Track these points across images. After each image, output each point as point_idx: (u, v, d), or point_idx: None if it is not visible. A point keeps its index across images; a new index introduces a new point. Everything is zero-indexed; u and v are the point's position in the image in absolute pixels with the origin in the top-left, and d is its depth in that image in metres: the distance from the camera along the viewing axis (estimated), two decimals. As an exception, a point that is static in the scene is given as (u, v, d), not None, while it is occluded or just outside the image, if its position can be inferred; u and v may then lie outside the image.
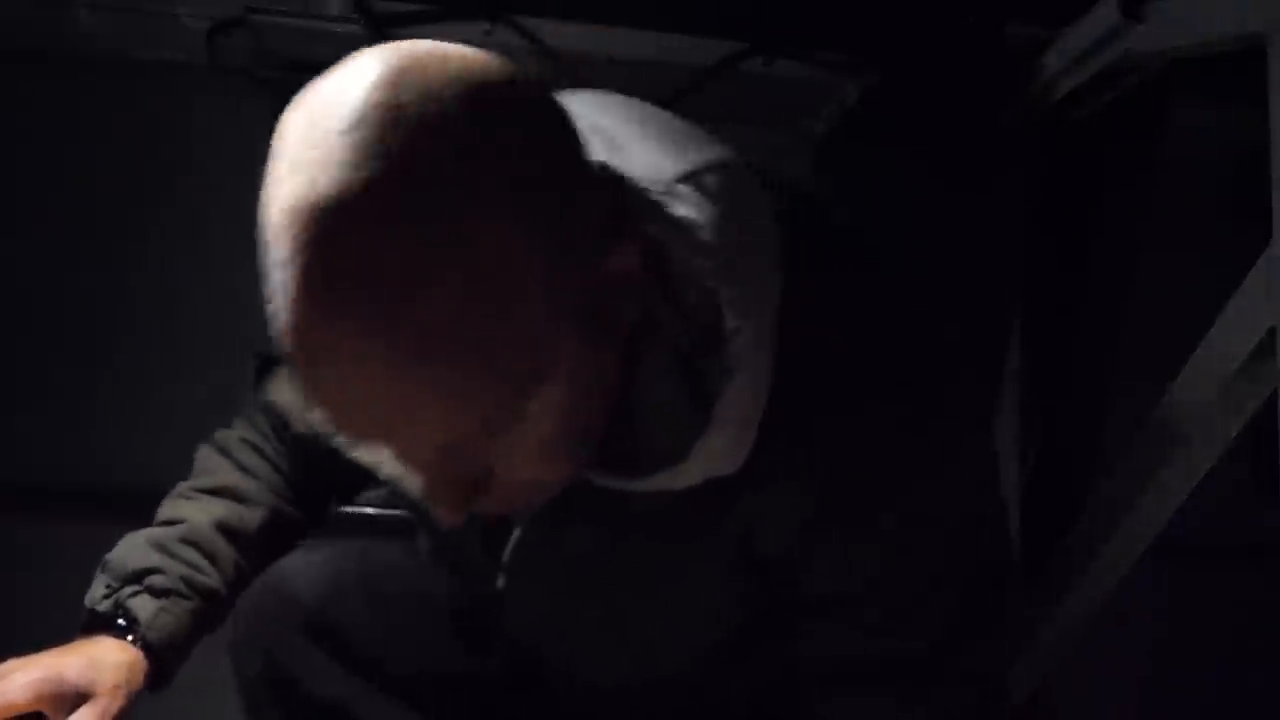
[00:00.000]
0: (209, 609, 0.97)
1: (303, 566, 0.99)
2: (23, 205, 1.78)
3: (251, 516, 0.99)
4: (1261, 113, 1.12)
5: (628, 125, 0.71)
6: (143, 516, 1.73)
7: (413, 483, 0.65)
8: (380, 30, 1.67)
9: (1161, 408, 1.26)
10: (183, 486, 1.02)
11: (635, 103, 0.75)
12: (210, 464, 1.03)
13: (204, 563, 0.97)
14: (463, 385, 0.57)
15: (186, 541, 0.97)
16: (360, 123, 0.54)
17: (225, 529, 0.98)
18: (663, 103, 1.79)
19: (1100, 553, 1.34)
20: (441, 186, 0.54)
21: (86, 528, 1.72)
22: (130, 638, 0.93)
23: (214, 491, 1.00)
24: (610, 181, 0.65)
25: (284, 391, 0.98)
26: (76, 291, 1.78)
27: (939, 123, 1.63)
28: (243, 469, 1.01)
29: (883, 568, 0.70)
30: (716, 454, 0.67)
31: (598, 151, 0.65)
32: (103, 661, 0.91)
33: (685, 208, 0.67)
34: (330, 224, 0.54)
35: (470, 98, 0.56)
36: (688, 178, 0.68)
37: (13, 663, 0.90)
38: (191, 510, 0.99)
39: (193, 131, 1.81)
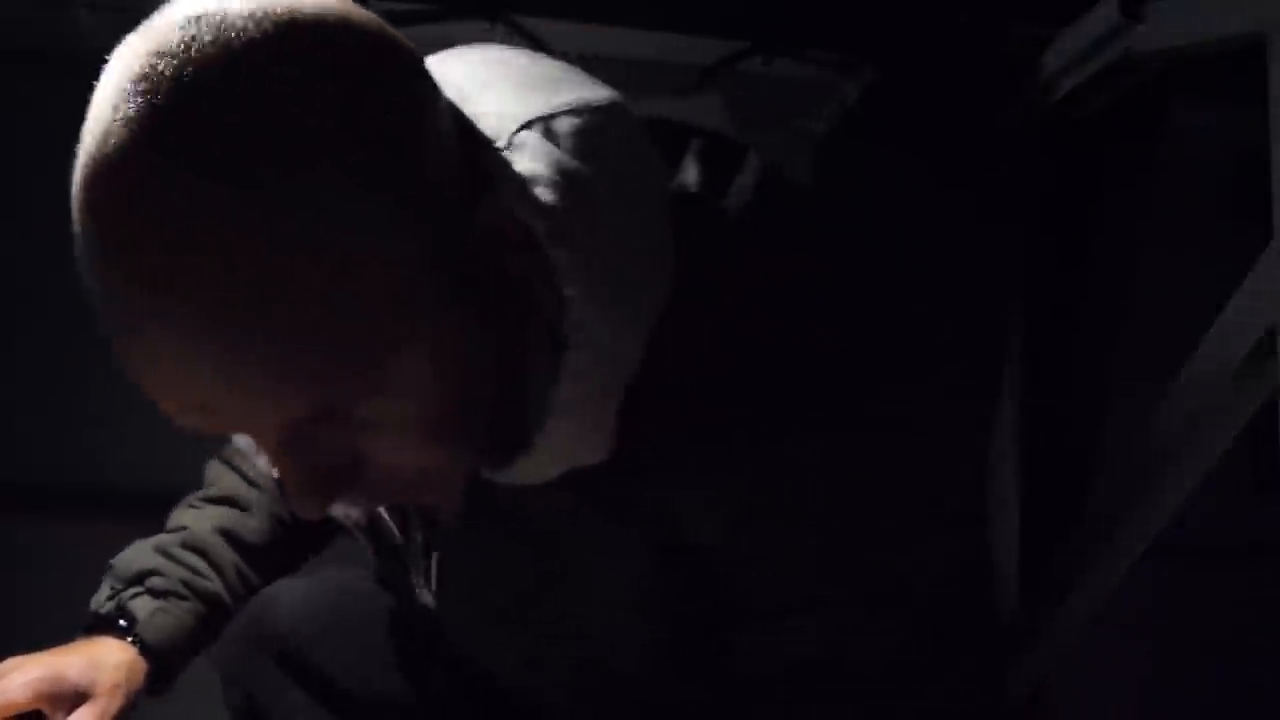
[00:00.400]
0: (211, 613, 0.97)
1: (283, 595, 0.97)
2: (23, 205, 1.78)
3: (255, 524, 0.99)
4: (1261, 113, 1.12)
5: (477, 71, 0.62)
6: (142, 516, 1.73)
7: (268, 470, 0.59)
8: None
9: (1161, 408, 1.26)
10: (190, 497, 1.03)
11: (498, 49, 0.66)
12: (216, 475, 1.03)
13: (204, 566, 0.97)
14: (283, 357, 0.50)
15: (187, 546, 0.98)
16: (147, 74, 0.48)
17: (227, 535, 0.98)
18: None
19: (1100, 553, 1.34)
20: (235, 136, 0.48)
21: (86, 528, 1.73)
22: (130, 639, 0.93)
23: (218, 500, 1.00)
24: (466, 135, 0.56)
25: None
26: (76, 291, 1.78)
27: (939, 123, 1.63)
28: (247, 480, 1.01)
29: (834, 570, 0.64)
30: (564, 443, 0.60)
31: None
32: (103, 662, 0.91)
33: (527, 159, 0.57)
34: (117, 181, 0.49)
35: (278, 35, 0.49)
36: (534, 123, 0.59)
37: (12, 661, 0.90)
38: (194, 517, 1.00)
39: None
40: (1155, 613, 1.77)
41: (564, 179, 0.58)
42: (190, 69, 0.48)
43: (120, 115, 0.49)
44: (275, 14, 0.50)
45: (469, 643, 0.86)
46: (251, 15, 0.49)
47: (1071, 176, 1.60)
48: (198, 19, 0.49)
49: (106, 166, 0.49)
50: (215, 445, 1.76)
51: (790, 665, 0.71)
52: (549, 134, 0.59)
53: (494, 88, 0.61)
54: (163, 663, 0.94)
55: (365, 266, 0.50)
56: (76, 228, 0.52)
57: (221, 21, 0.49)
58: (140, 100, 0.48)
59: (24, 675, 0.88)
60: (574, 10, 1.73)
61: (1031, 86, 1.57)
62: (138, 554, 0.98)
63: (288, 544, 1.01)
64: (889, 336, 0.67)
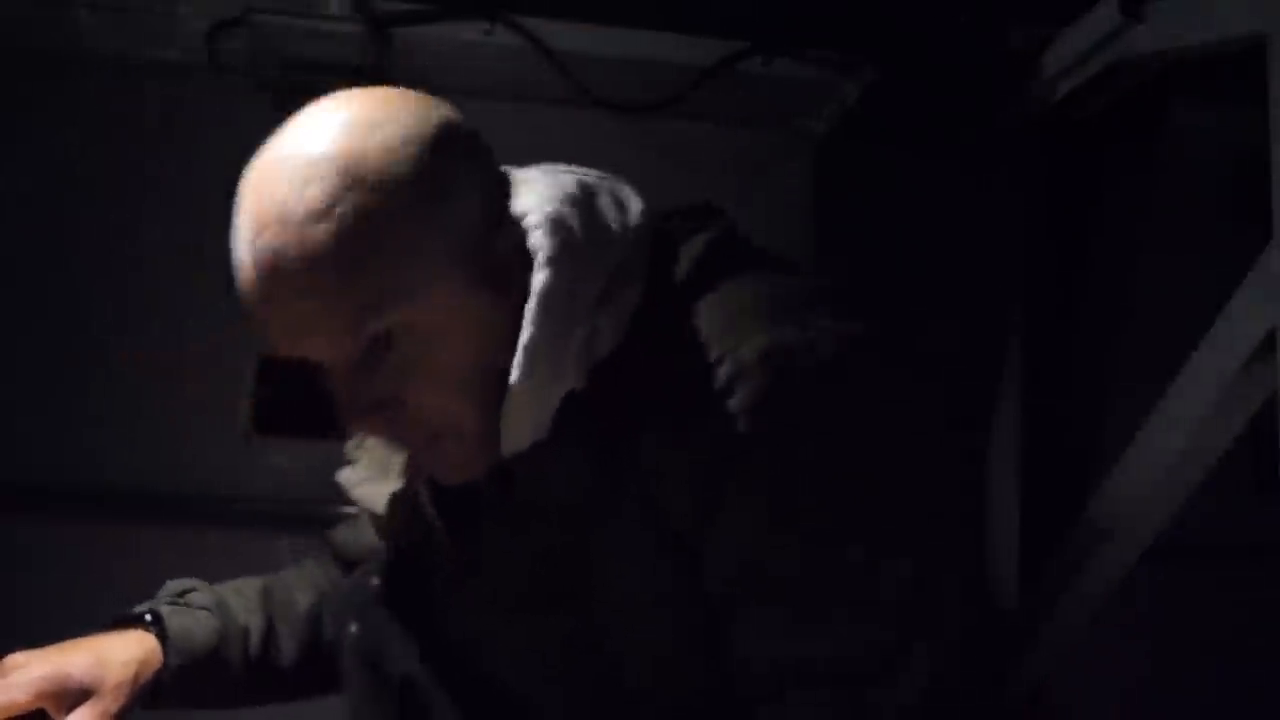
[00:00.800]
0: (231, 642, 1.00)
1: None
2: (23, 205, 1.78)
3: (299, 598, 1.06)
4: (1261, 113, 1.12)
5: (535, 169, 0.86)
6: (142, 516, 1.74)
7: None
8: (380, 30, 1.67)
9: (1161, 408, 1.26)
10: None
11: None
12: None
13: (238, 604, 1.02)
14: (346, 281, 0.72)
15: (231, 587, 1.04)
16: (307, 115, 0.76)
17: (268, 594, 1.05)
18: (663, 103, 1.79)
19: (1100, 553, 1.35)
20: (348, 164, 0.73)
21: (86, 528, 1.73)
22: (153, 630, 0.96)
23: (272, 578, 1.09)
24: (503, 188, 0.81)
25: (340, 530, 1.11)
26: (76, 292, 1.78)
27: (939, 123, 1.63)
28: (304, 569, 1.11)
29: (798, 557, 0.72)
30: (540, 381, 0.76)
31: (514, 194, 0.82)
32: (111, 659, 0.92)
33: (529, 184, 0.82)
34: (269, 172, 0.74)
35: (384, 103, 0.76)
36: (544, 169, 0.85)
37: (18, 658, 0.90)
38: (249, 580, 1.08)
39: (193, 131, 1.81)
40: (1155, 613, 1.77)
41: (551, 190, 0.81)
42: (345, 111, 0.75)
43: (278, 138, 0.76)
44: (387, 95, 0.77)
45: (475, 631, 0.89)
46: (384, 96, 0.77)
47: (1071, 176, 1.60)
48: (350, 97, 0.77)
49: (267, 164, 0.75)
50: (217, 446, 1.75)
51: (782, 662, 0.74)
52: (549, 173, 0.84)
53: (538, 167, 0.86)
54: (175, 661, 0.95)
55: (400, 243, 0.73)
56: (238, 201, 0.76)
57: (374, 100, 0.76)
58: (296, 130, 0.76)
59: (27, 674, 0.88)
60: (574, 10, 1.73)
61: (1031, 87, 1.58)
62: (187, 581, 1.04)
63: (319, 621, 1.05)
64: (840, 343, 0.76)
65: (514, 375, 0.75)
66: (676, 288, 0.79)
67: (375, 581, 0.96)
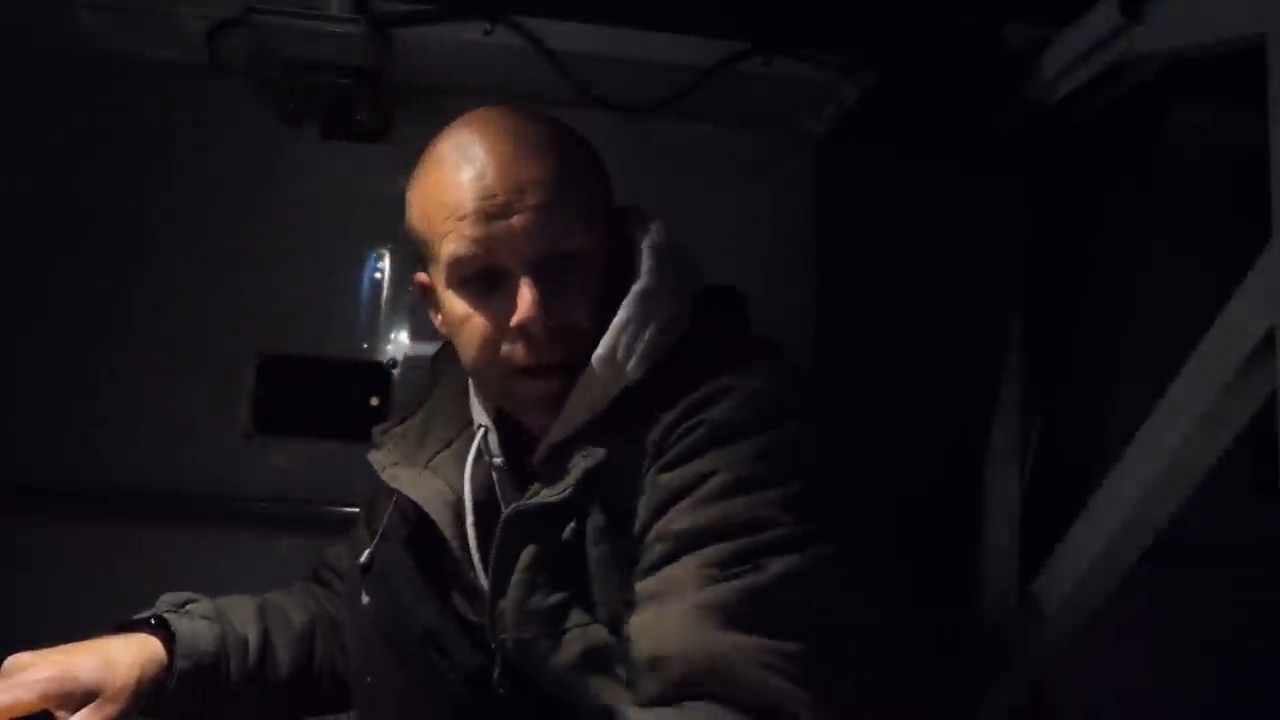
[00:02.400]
0: (231, 654, 1.02)
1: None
2: (23, 205, 1.78)
3: (293, 615, 1.10)
4: (1261, 113, 1.12)
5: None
6: (142, 516, 1.74)
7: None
8: (380, 30, 1.67)
9: (1161, 408, 1.26)
10: None
11: None
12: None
13: (237, 615, 1.06)
14: (560, 198, 0.95)
15: (226, 602, 1.08)
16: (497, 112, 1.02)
17: (263, 610, 1.09)
18: (663, 103, 1.80)
19: (1100, 553, 1.35)
20: (557, 124, 1.01)
21: (86, 528, 1.74)
22: (159, 636, 0.98)
23: (264, 597, 1.13)
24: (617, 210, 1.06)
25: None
26: (76, 291, 1.78)
27: (939, 124, 1.63)
28: (293, 591, 1.16)
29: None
30: (617, 346, 0.96)
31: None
32: (117, 662, 0.94)
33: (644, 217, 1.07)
34: (494, 118, 0.99)
35: (568, 129, 1.02)
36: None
37: (25, 658, 0.91)
38: (242, 595, 1.12)
39: (193, 131, 1.81)
40: (1155, 613, 1.77)
41: (659, 228, 1.05)
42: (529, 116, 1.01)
43: (480, 116, 1.00)
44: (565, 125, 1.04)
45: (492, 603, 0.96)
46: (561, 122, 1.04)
47: (1071, 176, 1.60)
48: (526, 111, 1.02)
49: (491, 116, 0.99)
50: (217, 446, 1.75)
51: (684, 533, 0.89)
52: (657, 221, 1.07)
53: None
54: (181, 665, 0.96)
55: (594, 184, 1.01)
56: (477, 142, 0.97)
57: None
58: (498, 109, 1.01)
59: (33, 675, 0.89)
60: (574, 10, 1.73)
61: (1031, 87, 1.58)
62: (185, 594, 1.07)
63: (313, 639, 1.11)
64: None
65: (600, 348, 0.94)
66: (706, 339, 1.00)
67: (381, 557, 1.03)
